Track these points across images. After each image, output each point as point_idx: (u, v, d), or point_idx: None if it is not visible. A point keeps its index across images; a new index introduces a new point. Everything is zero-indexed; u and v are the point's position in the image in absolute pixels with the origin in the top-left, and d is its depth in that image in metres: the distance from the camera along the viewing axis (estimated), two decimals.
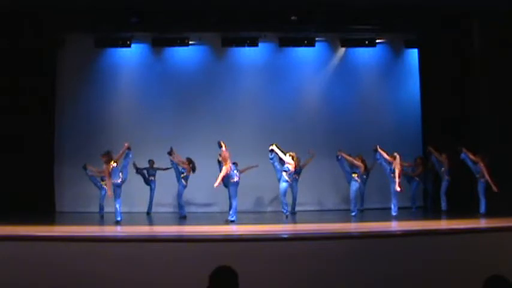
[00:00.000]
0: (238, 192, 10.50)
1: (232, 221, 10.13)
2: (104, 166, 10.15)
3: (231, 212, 10.29)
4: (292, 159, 10.60)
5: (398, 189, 10.64)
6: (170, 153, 11.29)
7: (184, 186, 11.14)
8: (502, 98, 11.01)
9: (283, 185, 10.58)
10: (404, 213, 11.83)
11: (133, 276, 6.23)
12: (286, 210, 10.78)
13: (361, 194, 12.11)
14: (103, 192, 11.06)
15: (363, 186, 11.77)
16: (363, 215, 11.56)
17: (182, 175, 11.12)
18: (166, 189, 12.47)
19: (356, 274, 6.31)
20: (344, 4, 11.29)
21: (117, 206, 10.04)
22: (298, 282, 6.19)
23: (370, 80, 13.96)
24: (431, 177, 12.43)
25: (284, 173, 10.55)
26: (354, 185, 10.99)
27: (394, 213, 10.68)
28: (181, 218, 11.00)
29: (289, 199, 11.35)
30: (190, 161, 11.13)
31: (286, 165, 10.55)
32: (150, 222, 11.27)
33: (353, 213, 10.95)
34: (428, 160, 12.30)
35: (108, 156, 10.11)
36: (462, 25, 11.84)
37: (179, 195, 11.23)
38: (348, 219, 10.76)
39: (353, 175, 11.00)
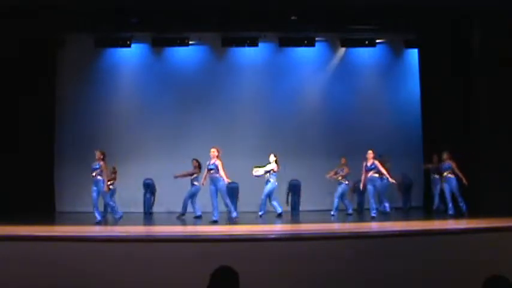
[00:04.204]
0: (239, 192, 10.55)
1: (216, 221, 10.06)
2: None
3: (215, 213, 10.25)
4: (274, 156, 11.05)
5: None
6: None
7: (195, 186, 11.13)
8: (502, 98, 11.00)
9: (267, 186, 10.99)
10: (402, 213, 11.89)
11: (133, 276, 6.22)
12: (264, 211, 11.00)
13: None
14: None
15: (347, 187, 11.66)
16: (363, 215, 11.56)
17: (192, 177, 11.17)
18: (166, 189, 12.47)
19: (356, 274, 6.31)
20: (344, 4, 11.28)
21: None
22: (298, 282, 6.19)
23: (370, 80, 13.97)
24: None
25: (267, 175, 10.99)
26: (340, 187, 11.41)
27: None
28: (196, 218, 10.98)
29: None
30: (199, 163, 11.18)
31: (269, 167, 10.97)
32: (150, 222, 11.27)
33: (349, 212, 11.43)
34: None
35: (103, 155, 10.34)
36: (462, 25, 11.84)
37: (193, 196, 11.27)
38: (347, 219, 10.77)
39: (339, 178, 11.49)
